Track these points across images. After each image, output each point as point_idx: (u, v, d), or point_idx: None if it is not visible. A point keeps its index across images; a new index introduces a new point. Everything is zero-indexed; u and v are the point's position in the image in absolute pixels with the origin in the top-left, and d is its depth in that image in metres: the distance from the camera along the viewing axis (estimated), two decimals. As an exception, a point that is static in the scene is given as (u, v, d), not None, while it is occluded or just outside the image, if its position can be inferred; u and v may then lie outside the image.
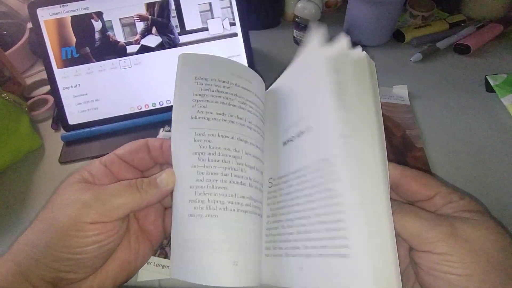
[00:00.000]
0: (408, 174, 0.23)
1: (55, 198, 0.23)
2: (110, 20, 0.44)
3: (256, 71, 0.46)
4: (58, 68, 0.44)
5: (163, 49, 0.45)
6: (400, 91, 0.48)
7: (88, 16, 0.44)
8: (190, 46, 0.46)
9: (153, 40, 0.45)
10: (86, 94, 0.45)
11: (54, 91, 0.44)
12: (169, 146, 0.24)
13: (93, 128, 0.44)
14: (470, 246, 0.18)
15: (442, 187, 0.22)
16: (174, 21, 0.45)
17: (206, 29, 0.46)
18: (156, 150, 0.26)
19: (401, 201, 0.23)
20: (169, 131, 0.41)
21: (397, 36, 0.59)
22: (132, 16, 0.44)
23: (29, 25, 0.61)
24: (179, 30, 0.45)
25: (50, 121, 0.48)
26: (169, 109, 0.46)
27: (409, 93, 0.48)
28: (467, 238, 0.19)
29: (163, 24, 0.45)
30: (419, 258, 0.20)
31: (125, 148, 0.25)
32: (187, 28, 0.46)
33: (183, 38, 0.46)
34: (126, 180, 0.23)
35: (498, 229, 0.19)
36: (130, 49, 0.45)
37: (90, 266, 0.22)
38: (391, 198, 0.20)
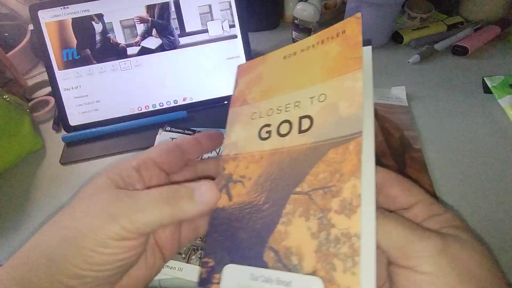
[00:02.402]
0: (391, 177, 0.21)
1: (79, 204, 0.20)
2: (111, 22, 0.44)
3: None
4: (59, 69, 0.44)
5: (163, 50, 0.46)
6: (398, 92, 0.48)
7: (89, 18, 0.44)
8: (190, 48, 0.46)
9: (153, 42, 0.46)
10: (87, 96, 0.45)
11: (55, 93, 0.45)
12: (209, 135, 0.23)
13: (94, 129, 0.45)
14: (458, 269, 0.16)
15: (424, 196, 0.21)
16: (174, 23, 0.46)
17: (206, 31, 0.46)
18: (191, 146, 0.24)
19: (383, 208, 0.21)
20: (170, 130, 0.41)
21: (396, 38, 0.59)
22: (133, 18, 0.45)
23: (31, 27, 0.61)
24: (179, 32, 0.46)
25: (51, 122, 0.49)
26: (169, 110, 0.47)
27: (407, 94, 0.48)
28: (456, 258, 0.17)
29: (163, 26, 0.45)
30: (398, 275, 0.18)
31: (158, 150, 0.23)
32: (187, 30, 0.46)
33: (183, 40, 0.46)
34: (156, 189, 0.20)
35: (484, 250, 0.18)
36: (130, 50, 0.45)
37: (105, 284, 0.20)
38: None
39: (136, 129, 0.46)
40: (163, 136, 0.40)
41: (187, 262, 0.30)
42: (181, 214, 0.20)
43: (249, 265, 0.21)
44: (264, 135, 0.24)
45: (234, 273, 0.21)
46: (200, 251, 0.30)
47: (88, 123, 0.45)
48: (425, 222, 0.20)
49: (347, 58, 0.23)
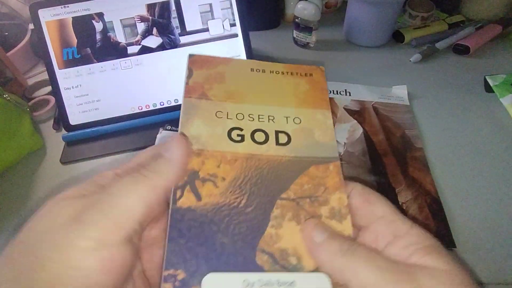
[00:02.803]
0: (356, 189, 0.21)
1: (32, 225, 0.16)
2: (111, 21, 0.44)
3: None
4: (59, 68, 0.44)
5: (164, 49, 0.46)
6: (400, 92, 0.48)
7: (89, 17, 0.44)
8: (190, 46, 0.46)
9: (153, 41, 0.45)
10: (87, 95, 0.45)
11: (56, 92, 0.45)
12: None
13: (94, 129, 0.45)
14: None
15: (387, 211, 0.19)
16: (175, 22, 0.45)
17: (206, 29, 0.46)
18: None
19: (353, 240, 0.20)
20: (170, 129, 0.40)
21: (397, 37, 0.59)
22: (133, 17, 0.45)
23: (31, 26, 0.61)
24: (179, 31, 0.46)
25: (51, 122, 0.49)
26: (169, 109, 0.46)
27: (408, 94, 0.48)
28: None
29: (164, 25, 0.45)
30: None
31: (141, 156, 0.21)
32: (188, 29, 0.46)
33: (183, 39, 0.46)
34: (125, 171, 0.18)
35: (462, 278, 0.16)
36: (131, 49, 0.45)
37: None
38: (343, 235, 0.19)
39: (136, 128, 0.45)
40: (163, 135, 0.40)
41: None
42: (162, 182, 0.18)
43: (239, 271, 0.20)
44: (235, 137, 0.24)
45: (219, 282, 0.19)
46: None
47: (89, 122, 0.45)
48: (390, 246, 0.18)
49: (316, 97, 0.27)
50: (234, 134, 0.24)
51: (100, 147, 0.44)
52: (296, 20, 0.56)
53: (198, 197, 0.22)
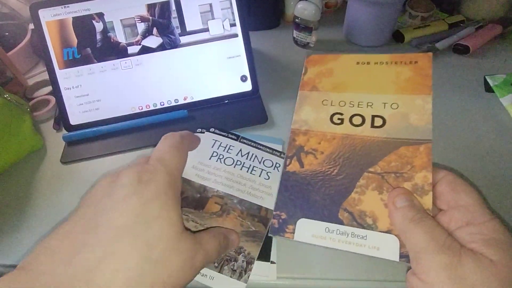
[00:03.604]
0: (446, 177, 0.23)
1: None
2: (111, 21, 0.44)
3: (256, 72, 0.47)
4: (59, 69, 0.44)
5: (164, 49, 0.46)
6: None
7: (90, 17, 0.44)
8: (191, 47, 0.46)
9: (154, 41, 0.45)
10: (88, 95, 0.45)
11: (56, 92, 0.45)
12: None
13: (95, 129, 0.45)
14: None
15: (471, 201, 0.21)
16: (175, 22, 0.46)
17: (206, 30, 0.46)
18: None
19: (428, 213, 0.22)
20: (214, 132, 0.39)
21: (397, 37, 0.59)
22: (133, 17, 0.45)
23: (31, 26, 0.61)
24: (179, 31, 0.46)
25: (52, 122, 0.49)
26: (170, 109, 0.46)
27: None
28: (462, 278, 0.17)
29: (164, 25, 0.45)
30: (408, 280, 0.19)
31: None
32: (188, 29, 0.46)
33: (183, 39, 0.46)
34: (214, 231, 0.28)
35: (508, 275, 0.17)
36: (131, 50, 0.45)
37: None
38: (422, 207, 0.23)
39: (136, 128, 0.45)
40: (206, 137, 0.39)
41: (219, 272, 0.30)
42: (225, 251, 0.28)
43: (324, 221, 0.26)
44: (336, 120, 0.30)
45: (308, 225, 0.26)
46: (233, 263, 0.30)
47: (89, 122, 0.45)
48: (459, 230, 0.20)
49: (418, 83, 0.29)
50: (335, 118, 0.30)
51: (100, 147, 0.44)
52: (296, 20, 0.56)
53: (302, 165, 0.29)
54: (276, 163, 0.38)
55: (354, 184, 0.27)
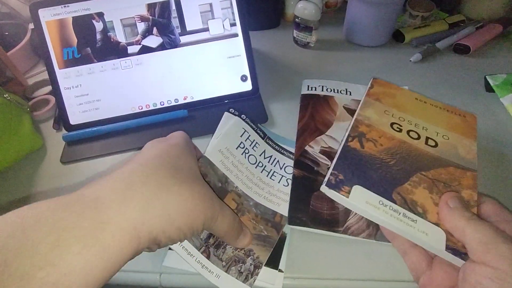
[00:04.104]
0: (491, 203, 0.28)
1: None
2: (111, 21, 0.44)
3: (256, 72, 0.47)
4: (59, 68, 0.44)
5: (164, 49, 0.46)
6: None
7: (90, 17, 0.44)
8: (191, 46, 0.46)
9: (154, 40, 0.45)
10: (88, 95, 0.45)
11: (56, 92, 0.45)
12: None
13: (95, 128, 0.45)
14: None
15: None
16: (175, 22, 0.45)
17: (206, 29, 0.46)
18: None
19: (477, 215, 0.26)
20: (245, 119, 0.39)
21: (397, 37, 0.59)
22: (133, 17, 0.45)
23: (31, 26, 0.61)
24: (179, 31, 0.46)
25: (51, 121, 0.49)
26: (170, 109, 0.46)
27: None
28: None
29: (164, 25, 0.45)
30: (472, 270, 0.22)
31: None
32: (188, 28, 0.46)
33: (183, 39, 0.46)
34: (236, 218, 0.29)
35: None
36: (131, 49, 0.45)
37: None
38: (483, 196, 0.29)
39: (136, 128, 0.45)
40: (237, 123, 0.38)
41: (226, 272, 0.29)
42: (231, 242, 0.30)
43: (378, 195, 0.28)
44: (395, 127, 0.34)
45: (363, 193, 0.28)
46: (240, 264, 0.30)
47: (89, 122, 0.45)
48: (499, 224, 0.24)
49: (466, 130, 0.35)
50: (394, 126, 0.34)
51: (100, 147, 0.44)
52: (296, 19, 0.56)
53: (362, 146, 0.32)
54: None
55: (408, 178, 0.30)
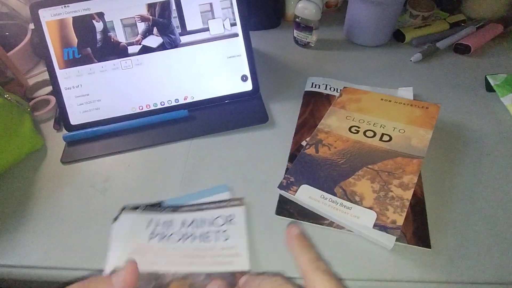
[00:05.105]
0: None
1: None
2: (112, 21, 0.44)
3: (257, 71, 0.47)
4: (60, 68, 0.44)
5: (164, 49, 0.46)
6: (405, 93, 0.47)
7: (90, 17, 0.44)
8: (191, 46, 0.46)
9: (154, 40, 0.45)
10: (88, 95, 0.45)
11: (56, 92, 0.45)
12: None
13: (95, 128, 0.45)
14: None
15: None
16: (175, 22, 0.45)
17: (207, 29, 0.46)
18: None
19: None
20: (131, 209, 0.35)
21: (397, 36, 0.59)
22: (134, 17, 0.45)
23: (31, 26, 0.61)
24: (180, 31, 0.46)
25: (52, 122, 0.49)
26: (170, 109, 0.46)
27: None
28: None
29: (164, 25, 0.45)
30: None
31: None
32: (188, 28, 0.46)
33: (184, 39, 0.46)
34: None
35: None
36: (131, 49, 0.45)
37: None
38: None
39: (137, 128, 0.45)
40: (124, 218, 0.33)
41: None
42: None
43: (321, 190, 0.34)
44: (353, 131, 0.40)
45: (308, 190, 0.34)
46: None
47: (89, 122, 0.45)
48: None
49: (424, 121, 0.39)
50: (352, 129, 0.40)
51: (100, 147, 0.44)
52: (297, 19, 0.56)
53: (317, 151, 0.38)
54: (228, 215, 0.33)
55: (353, 173, 0.35)
